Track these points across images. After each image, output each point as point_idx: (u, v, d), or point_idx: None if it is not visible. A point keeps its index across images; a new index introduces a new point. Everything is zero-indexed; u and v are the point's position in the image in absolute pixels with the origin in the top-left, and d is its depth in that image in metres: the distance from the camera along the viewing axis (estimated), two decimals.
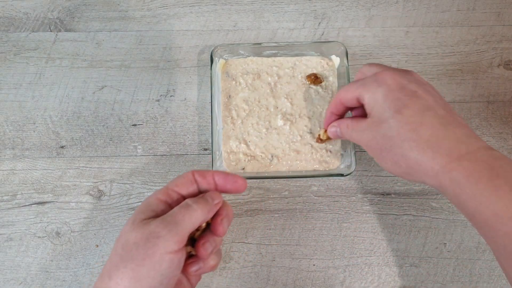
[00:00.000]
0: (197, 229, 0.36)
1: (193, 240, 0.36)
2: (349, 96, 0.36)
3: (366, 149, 0.36)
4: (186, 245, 0.36)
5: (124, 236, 0.32)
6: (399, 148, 0.32)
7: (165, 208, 0.34)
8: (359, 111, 0.39)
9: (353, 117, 0.39)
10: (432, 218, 0.45)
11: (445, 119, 0.32)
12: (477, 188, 0.29)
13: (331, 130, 0.40)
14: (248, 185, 0.46)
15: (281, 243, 0.45)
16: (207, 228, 0.36)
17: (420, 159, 0.31)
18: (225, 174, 0.37)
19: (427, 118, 0.32)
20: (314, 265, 0.44)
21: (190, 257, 0.36)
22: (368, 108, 0.35)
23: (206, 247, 0.35)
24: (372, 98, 0.34)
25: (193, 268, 0.35)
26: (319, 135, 0.44)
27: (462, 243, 0.45)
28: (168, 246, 0.30)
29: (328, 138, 0.44)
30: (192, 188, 0.36)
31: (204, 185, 0.37)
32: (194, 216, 0.32)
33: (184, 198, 0.35)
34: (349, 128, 0.37)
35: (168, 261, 0.30)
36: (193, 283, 0.37)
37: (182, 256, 0.32)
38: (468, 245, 0.45)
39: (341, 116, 0.40)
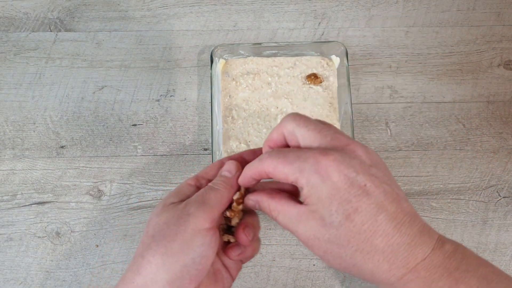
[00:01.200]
0: (234, 214, 0.35)
1: (230, 229, 0.36)
2: (281, 176, 0.30)
3: (301, 240, 0.31)
4: (223, 234, 0.36)
5: (154, 219, 0.31)
6: (350, 258, 0.29)
7: (196, 192, 0.34)
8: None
9: (277, 193, 0.32)
10: (432, 218, 0.45)
11: (397, 219, 0.29)
12: None
13: (249, 202, 0.34)
14: None
15: (281, 243, 0.45)
16: (245, 215, 0.36)
17: (375, 271, 0.29)
18: (251, 150, 0.36)
19: (380, 224, 0.28)
20: (314, 265, 0.44)
21: (229, 244, 0.36)
22: (306, 200, 0.29)
23: (247, 232, 0.34)
24: (314, 193, 0.29)
25: (234, 252, 0.35)
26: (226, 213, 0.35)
27: (462, 243, 0.45)
28: (199, 223, 0.30)
29: (238, 214, 0.35)
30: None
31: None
32: (220, 195, 0.32)
33: None
34: (273, 210, 0.31)
35: (200, 238, 0.30)
36: (233, 274, 0.36)
37: (214, 235, 0.31)
38: (468, 245, 0.45)
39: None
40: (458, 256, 0.29)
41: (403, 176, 0.47)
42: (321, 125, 0.31)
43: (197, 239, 0.30)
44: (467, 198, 0.45)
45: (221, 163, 0.36)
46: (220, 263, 0.36)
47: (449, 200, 0.45)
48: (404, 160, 0.47)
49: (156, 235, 0.30)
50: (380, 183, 0.29)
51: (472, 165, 0.46)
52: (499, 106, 0.48)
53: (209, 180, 0.35)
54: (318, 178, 0.28)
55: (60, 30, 0.49)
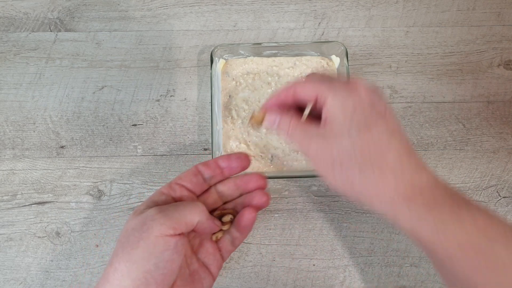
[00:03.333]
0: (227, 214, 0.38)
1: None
2: (307, 90, 0.32)
3: (308, 157, 0.33)
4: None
5: (125, 226, 0.33)
6: (358, 169, 0.29)
7: (166, 199, 0.35)
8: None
9: (296, 114, 0.35)
10: None
11: (408, 146, 0.30)
12: (440, 219, 0.28)
13: (271, 117, 0.35)
14: None
15: (281, 243, 0.45)
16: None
17: (380, 184, 0.29)
18: (227, 155, 0.37)
19: (394, 142, 0.30)
20: (314, 265, 0.44)
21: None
22: (327, 112, 0.31)
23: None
24: (338, 105, 0.30)
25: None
26: (252, 115, 0.37)
27: None
28: (162, 229, 0.31)
29: (261, 123, 0.37)
30: (196, 179, 0.37)
31: (209, 172, 0.38)
32: (194, 211, 0.33)
33: (188, 190, 0.36)
34: (292, 126, 0.33)
35: (163, 244, 0.31)
36: (214, 272, 0.37)
37: (180, 240, 0.32)
38: None
39: (285, 108, 0.36)
40: (451, 189, 0.31)
41: None
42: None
43: (160, 245, 0.31)
44: None
45: (196, 170, 0.38)
46: (197, 263, 0.36)
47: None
48: None
49: (123, 241, 0.32)
50: (396, 119, 0.31)
51: (472, 165, 0.46)
52: (499, 106, 0.48)
53: (183, 186, 0.36)
54: (346, 92, 0.31)
55: (60, 30, 0.49)
